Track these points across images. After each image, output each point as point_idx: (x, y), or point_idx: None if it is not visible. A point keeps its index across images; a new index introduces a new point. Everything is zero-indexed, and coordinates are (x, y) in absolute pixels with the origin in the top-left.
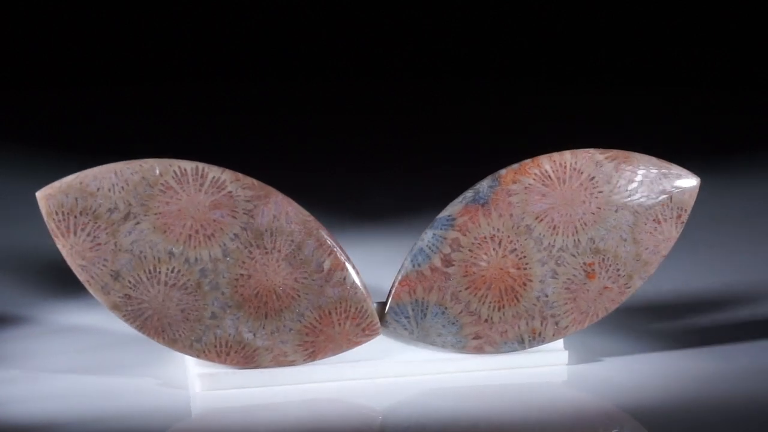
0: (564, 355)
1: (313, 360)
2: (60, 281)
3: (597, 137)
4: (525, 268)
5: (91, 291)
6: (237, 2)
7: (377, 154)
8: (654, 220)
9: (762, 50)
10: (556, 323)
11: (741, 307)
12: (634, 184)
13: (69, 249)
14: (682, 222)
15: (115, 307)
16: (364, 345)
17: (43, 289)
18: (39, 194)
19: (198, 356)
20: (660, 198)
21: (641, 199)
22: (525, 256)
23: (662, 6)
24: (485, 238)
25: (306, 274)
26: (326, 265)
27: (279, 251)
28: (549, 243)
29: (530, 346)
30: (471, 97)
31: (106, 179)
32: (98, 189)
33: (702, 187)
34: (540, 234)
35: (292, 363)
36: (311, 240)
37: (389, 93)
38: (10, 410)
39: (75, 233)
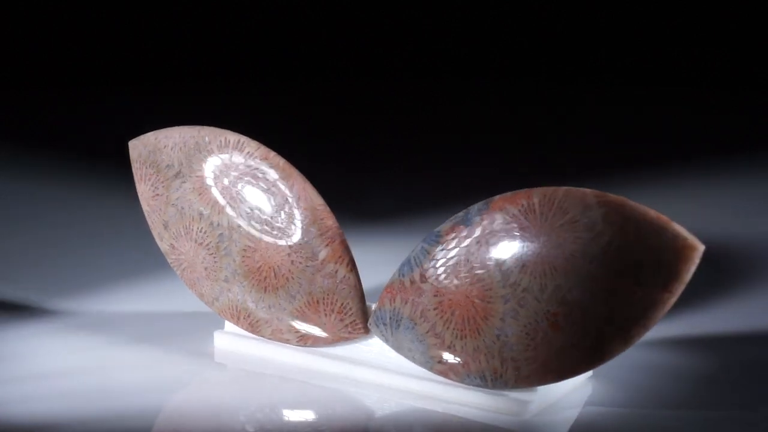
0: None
1: (305, 344)
2: (60, 281)
3: (597, 137)
4: (488, 301)
5: (153, 234)
6: (237, 2)
7: (377, 154)
8: (635, 283)
9: (762, 50)
10: (517, 369)
11: (740, 306)
12: (610, 240)
13: (140, 195)
14: (670, 292)
15: (165, 253)
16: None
17: (43, 289)
18: (130, 143)
19: (220, 315)
20: (635, 258)
21: (626, 258)
22: (490, 289)
23: (662, 6)
24: (461, 260)
25: (302, 259)
26: (321, 255)
27: (283, 232)
28: (515, 280)
29: (494, 387)
30: (471, 98)
31: (172, 139)
32: (165, 146)
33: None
34: (508, 269)
35: (287, 341)
36: (314, 227)
37: (389, 93)
38: (10, 410)
39: (144, 181)
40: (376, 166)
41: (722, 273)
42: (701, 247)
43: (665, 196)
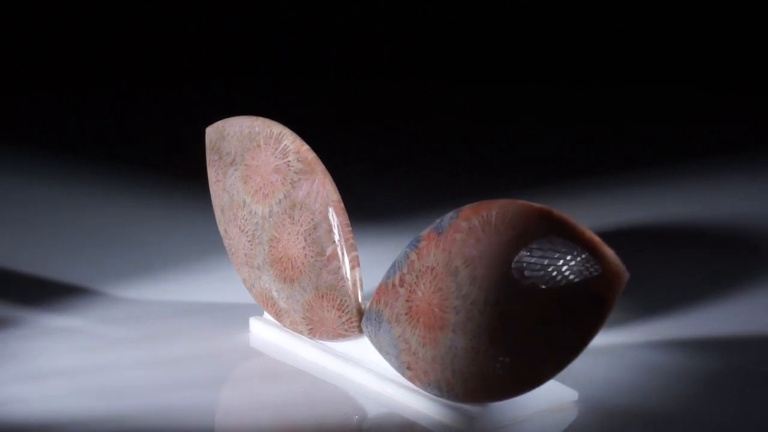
0: None
1: (314, 337)
2: (61, 282)
3: (597, 137)
4: (444, 311)
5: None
6: (237, 2)
7: (378, 154)
8: (564, 306)
9: (762, 50)
10: (465, 382)
11: (739, 306)
12: (548, 261)
13: (208, 179)
14: (597, 317)
15: (222, 237)
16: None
17: (43, 289)
18: (206, 129)
19: (256, 300)
20: (567, 281)
21: (559, 280)
22: (447, 299)
23: (662, 6)
24: (428, 268)
25: (313, 254)
26: (328, 251)
27: (300, 225)
28: (466, 292)
29: (448, 398)
30: (471, 98)
31: (234, 127)
32: (228, 135)
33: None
34: (462, 280)
35: (301, 333)
36: (325, 223)
37: (389, 93)
38: (10, 410)
39: (211, 167)
40: (377, 166)
41: (722, 273)
42: (626, 275)
43: (665, 196)
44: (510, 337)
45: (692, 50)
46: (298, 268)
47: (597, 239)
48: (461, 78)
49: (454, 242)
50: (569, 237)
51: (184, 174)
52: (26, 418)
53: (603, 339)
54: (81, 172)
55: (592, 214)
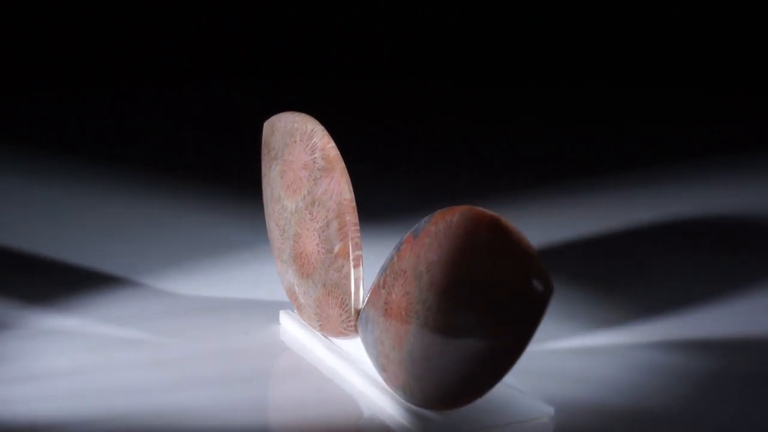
0: None
1: (324, 333)
2: (61, 282)
3: (597, 137)
4: (408, 315)
5: None
6: (237, 2)
7: (378, 154)
8: (496, 321)
9: (762, 50)
10: (421, 389)
11: (739, 307)
12: (482, 272)
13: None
14: (523, 334)
15: (268, 231)
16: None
17: (43, 290)
18: (264, 123)
19: (286, 295)
20: (503, 292)
21: (496, 291)
22: (411, 303)
23: (662, 6)
24: (402, 271)
25: (324, 251)
26: (336, 249)
27: (316, 222)
28: (425, 298)
29: (412, 403)
30: (471, 98)
31: (282, 123)
32: (276, 130)
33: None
34: (423, 285)
35: (314, 328)
36: (336, 221)
37: (389, 93)
38: (10, 410)
39: (263, 160)
40: (378, 166)
41: (722, 273)
42: (551, 290)
43: (665, 196)
44: (455, 345)
45: (692, 50)
46: (312, 264)
47: (533, 252)
48: (461, 78)
49: (423, 246)
50: (509, 245)
51: (184, 174)
52: (26, 418)
53: (603, 339)
54: (81, 172)
55: (592, 214)
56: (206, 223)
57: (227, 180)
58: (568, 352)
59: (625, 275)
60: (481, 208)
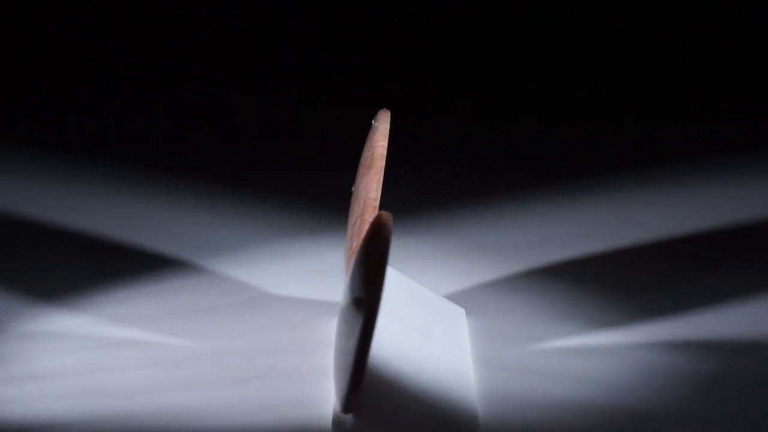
0: None
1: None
2: (61, 282)
3: (597, 137)
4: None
5: None
6: (237, 2)
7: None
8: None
9: (762, 50)
10: (341, 393)
11: (739, 307)
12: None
13: None
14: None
15: None
16: None
17: (43, 290)
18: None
19: None
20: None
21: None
22: (346, 297)
23: (662, 6)
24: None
25: (347, 248)
26: (353, 246)
27: (352, 217)
28: (350, 291)
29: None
30: (471, 98)
31: (380, 124)
32: (377, 127)
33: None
34: (352, 278)
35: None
36: (359, 219)
37: (389, 93)
38: (10, 410)
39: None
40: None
41: (722, 274)
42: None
43: (665, 196)
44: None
45: (692, 50)
46: (345, 262)
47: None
48: (461, 78)
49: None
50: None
51: (184, 174)
52: (26, 418)
53: (603, 339)
54: (81, 172)
55: (592, 214)
56: (206, 223)
57: (227, 180)
58: (568, 352)
59: (625, 275)
60: (386, 213)
